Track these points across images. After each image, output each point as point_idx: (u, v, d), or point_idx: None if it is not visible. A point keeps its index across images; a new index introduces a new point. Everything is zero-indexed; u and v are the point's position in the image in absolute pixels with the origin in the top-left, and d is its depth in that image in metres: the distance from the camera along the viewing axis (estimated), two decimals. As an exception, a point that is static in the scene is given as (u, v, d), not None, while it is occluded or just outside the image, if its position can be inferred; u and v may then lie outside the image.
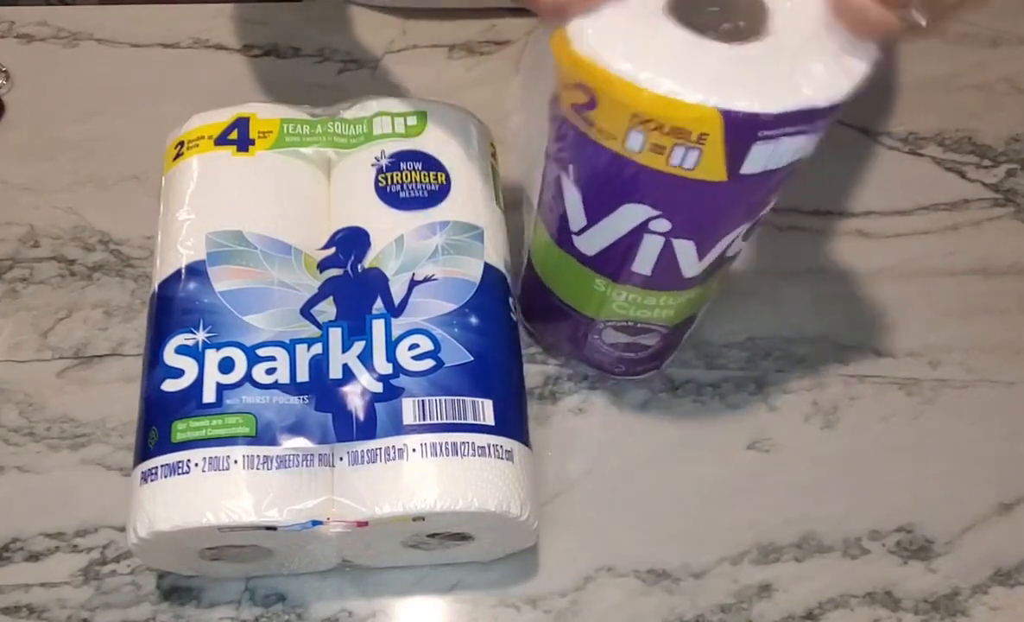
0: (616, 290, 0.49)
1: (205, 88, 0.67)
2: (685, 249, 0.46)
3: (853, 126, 0.71)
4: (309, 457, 0.45)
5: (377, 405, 0.46)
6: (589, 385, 0.58)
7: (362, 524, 0.44)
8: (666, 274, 0.47)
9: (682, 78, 0.38)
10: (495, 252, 0.52)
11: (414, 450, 0.45)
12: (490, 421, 0.46)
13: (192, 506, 0.43)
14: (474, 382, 0.47)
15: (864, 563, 0.53)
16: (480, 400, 0.46)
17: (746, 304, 0.61)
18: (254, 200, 0.51)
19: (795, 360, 0.60)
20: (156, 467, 0.44)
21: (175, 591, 0.50)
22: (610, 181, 0.43)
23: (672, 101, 0.38)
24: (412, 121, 0.55)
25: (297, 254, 0.50)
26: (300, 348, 0.47)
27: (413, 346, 0.47)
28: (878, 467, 0.56)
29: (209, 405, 0.45)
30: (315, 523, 0.44)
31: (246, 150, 0.52)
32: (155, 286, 0.49)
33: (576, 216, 0.47)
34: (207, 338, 0.47)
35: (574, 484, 0.54)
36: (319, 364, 0.47)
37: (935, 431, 0.58)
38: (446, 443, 0.45)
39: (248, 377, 0.46)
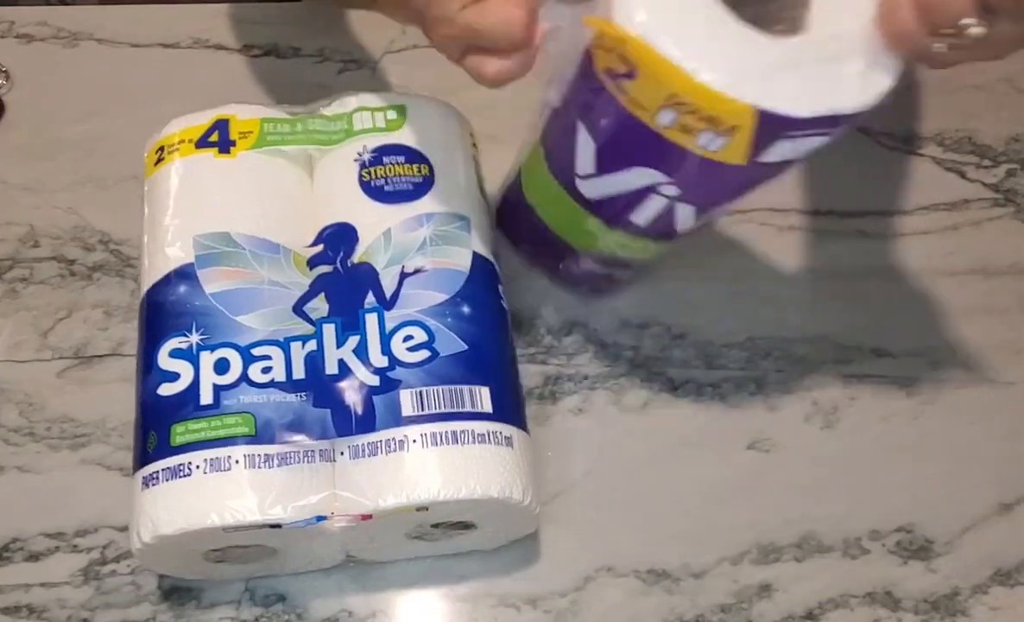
0: (607, 233, 0.50)
1: (205, 88, 0.66)
2: (686, 211, 0.47)
3: (853, 126, 0.71)
4: (310, 453, 0.45)
5: (375, 398, 0.46)
6: (589, 385, 0.58)
7: (366, 517, 0.44)
8: (660, 227, 0.49)
9: (724, 70, 0.38)
10: (482, 241, 0.52)
11: (414, 441, 0.45)
12: (488, 408, 0.46)
13: (195, 508, 0.43)
14: (470, 370, 0.47)
15: (864, 563, 0.53)
16: (477, 388, 0.47)
17: (746, 304, 0.61)
18: (239, 201, 0.51)
19: (795, 360, 0.60)
20: (157, 471, 0.44)
21: (175, 591, 0.50)
22: (629, 144, 0.44)
23: (712, 92, 0.38)
24: (392, 115, 0.55)
25: (286, 252, 0.50)
26: (295, 346, 0.47)
27: (407, 338, 0.48)
28: (878, 467, 0.56)
29: (207, 407, 0.45)
30: (319, 519, 0.44)
31: (227, 151, 0.53)
32: (144, 291, 0.50)
33: (585, 163, 0.47)
34: (201, 340, 0.47)
35: (574, 484, 0.54)
36: (314, 361, 0.47)
37: (935, 431, 0.58)
38: (446, 432, 0.45)
39: (244, 377, 0.46)
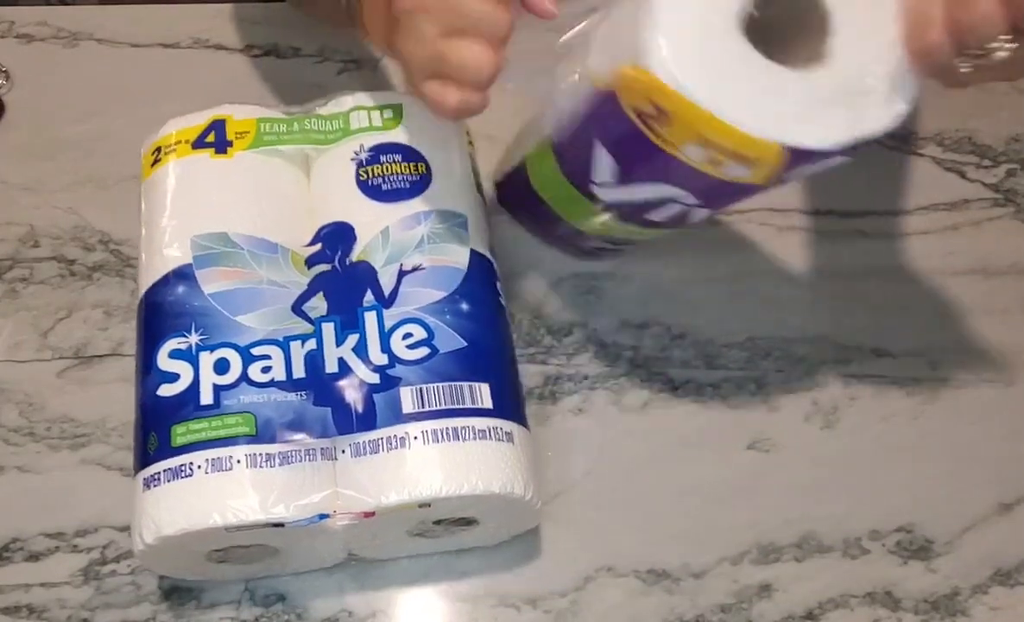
0: (621, 224, 0.52)
1: (205, 88, 0.66)
2: (701, 214, 0.49)
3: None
4: (311, 452, 0.45)
5: (375, 396, 0.46)
6: (589, 385, 0.58)
7: (369, 514, 0.44)
8: (673, 223, 0.50)
9: (753, 113, 0.40)
10: (479, 238, 0.52)
11: (415, 438, 0.45)
12: (488, 404, 0.47)
13: (197, 508, 0.43)
14: (470, 367, 0.47)
15: (864, 563, 0.53)
16: (477, 384, 0.47)
17: (746, 304, 0.61)
18: (236, 201, 0.52)
19: (795, 360, 0.60)
20: (158, 472, 0.44)
21: (175, 591, 0.50)
22: (653, 168, 0.45)
23: (742, 135, 0.39)
24: (388, 114, 0.55)
25: (284, 252, 0.50)
26: (294, 345, 0.47)
27: (407, 336, 0.48)
28: (878, 467, 0.56)
29: (207, 407, 0.45)
30: (322, 517, 0.44)
31: (224, 152, 0.53)
32: (142, 293, 0.50)
33: (601, 174, 0.48)
34: (200, 341, 0.47)
35: (574, 484, 0.54)
36: (314, 359, 0.47)
37: (935, 431, 0.58)
38: (447, 428, 0.45)
39: (244, 377, 0.46)
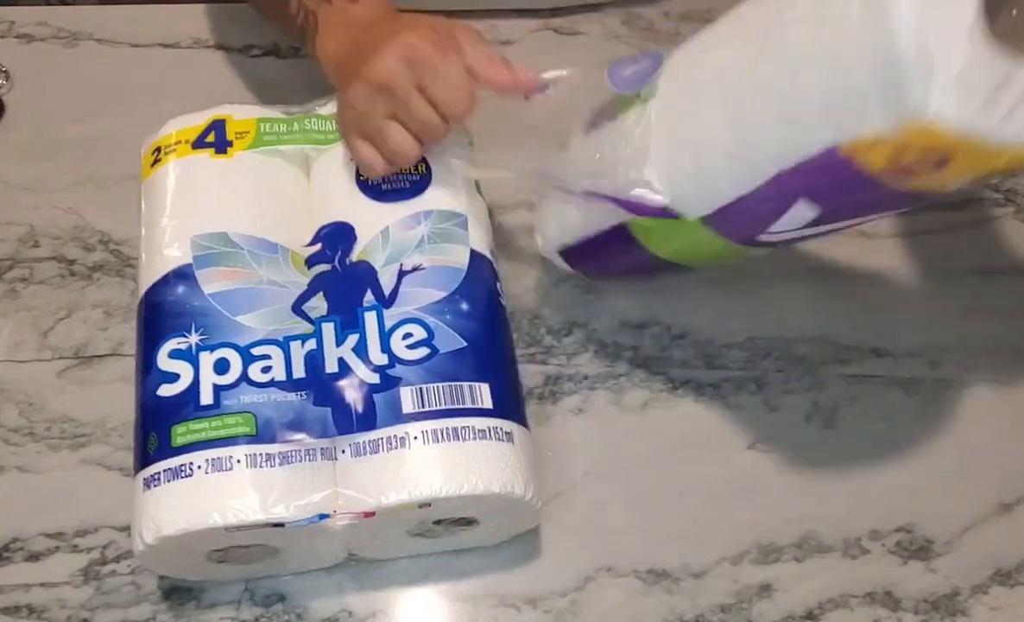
0: (757, 251, 0.50)
1: (205, 88, 0.66)
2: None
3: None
4: (311, 452, 0.45)
5: (375, 396, 0.46)
6: (589, 385, 0.58)
7: (369, 514, 0.44)
8: (804, 240, 0.49)
9: None
10: (480, 238, 0.52)
11: (416, 437, 0.45)
12: (488, 404, 0.47)
13: (198, 508, 0.43)
14: (470, 367, 0.47)
15: (864, 563, 0.53)
16: (477, 384, 0.47)
17: (746, 304, 0.61)
18: (236, 201, 0.52)
19: (795, 360, 0.60)
20: (158, 472, 0.44)
21: (175, 591, 0.50)
22: (882, 207, 0.45)
23: None
24: None
25: (284, 252, 0.50)
26: (294, 345, 0.47)
27: (407, 336, 0.48)
28: (878, 467, 0.56)
29: (207, 407, 0.45)
30: (322, 517, 0.44)
31: (224, 152, 0.53)
32: (142, 293, 0.50)
33: (790, 224, 0.45)
34: (200, 341, 0.47)
35: (574, 484, 0.54)
36: (314, 359, 0.47)
37: (935, 431, 0.58)
38: (447, 428, 0.45)
39: (244, 377, 0.46)
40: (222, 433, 0.44)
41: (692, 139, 0.46)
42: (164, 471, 0.44)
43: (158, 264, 0.49)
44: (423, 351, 0.47)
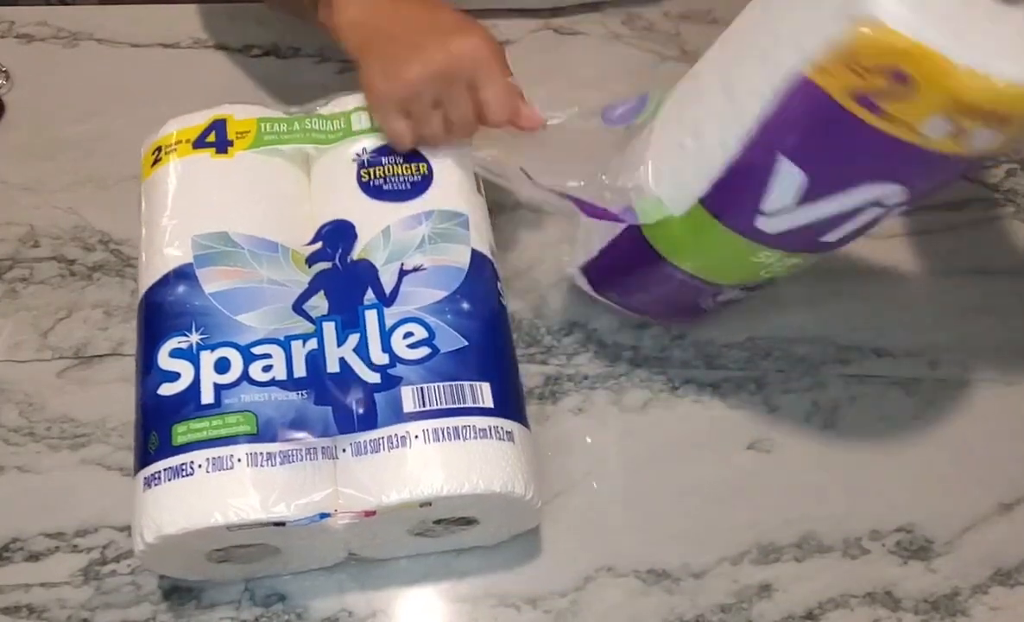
0: (782, 260, 0.48)
1: (205, 88, 0.67)
2: (891, 215, 0.44)
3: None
4: (312, 451, 0.45)
5: (376, 395, 0.46)
6: (589, 385, 0.58)
7: (370, 513, 0.44)
8: (852, 237, 0.46)
9: (1006, 57, 0.35)
10: (480, 238, 0.52)
11: (416, 437, 0.45)
12: (489, 403, 0.47)
13: (198, 507, 0.43)
14: (470, 366, 0.47)
15: (864, 563, 0.53)
16: (478, 383, 0.47)
17: (746, 304, 0.61)
18: (237, 200, 0.52)
19: (795, 360, 0.60)
20: (159, 472, 0.44)
21: (175, 591, 0.50)
22: (867, 165, 0.41)
23: (1006, 88, 0.35)
24: None
25: (284, 251, 0.50)
26: (295, 344, 0.47)
27: (408, 335, 0.48)
28: (878, 467, 0.56)
29: (208, 406, 0.45)
30: (323, 516, 0.44)
31: (225, 151, 0.53)
32: (142, 292, 0.50)
33: (781, 198, 0.44)
34: (201, 340, 0.47)
35: (574, 484, 0.54)
36: (315, 359, 0.47)
37: (935, 431, 0.58)
38: (448, 428, 0.45)
39: (245, 376, 0.46)
40: (223, 432, 0.44)
41: (693, 116, 0.47)
42: (165, 470, 0.44)
43: (158, 264, 0.49)
44: (424, 350, 0.47)
